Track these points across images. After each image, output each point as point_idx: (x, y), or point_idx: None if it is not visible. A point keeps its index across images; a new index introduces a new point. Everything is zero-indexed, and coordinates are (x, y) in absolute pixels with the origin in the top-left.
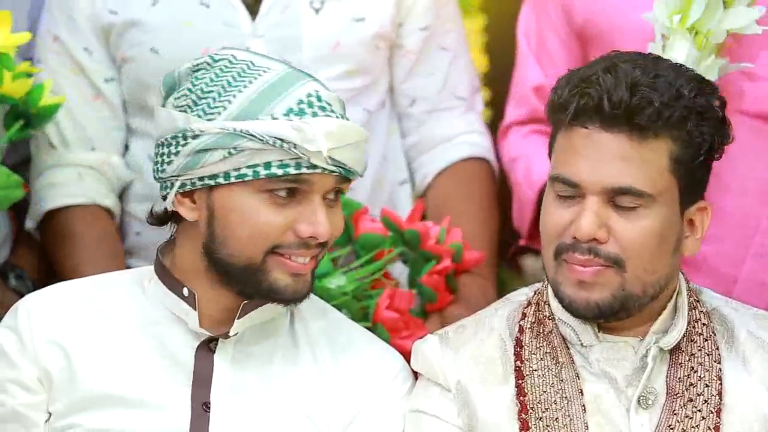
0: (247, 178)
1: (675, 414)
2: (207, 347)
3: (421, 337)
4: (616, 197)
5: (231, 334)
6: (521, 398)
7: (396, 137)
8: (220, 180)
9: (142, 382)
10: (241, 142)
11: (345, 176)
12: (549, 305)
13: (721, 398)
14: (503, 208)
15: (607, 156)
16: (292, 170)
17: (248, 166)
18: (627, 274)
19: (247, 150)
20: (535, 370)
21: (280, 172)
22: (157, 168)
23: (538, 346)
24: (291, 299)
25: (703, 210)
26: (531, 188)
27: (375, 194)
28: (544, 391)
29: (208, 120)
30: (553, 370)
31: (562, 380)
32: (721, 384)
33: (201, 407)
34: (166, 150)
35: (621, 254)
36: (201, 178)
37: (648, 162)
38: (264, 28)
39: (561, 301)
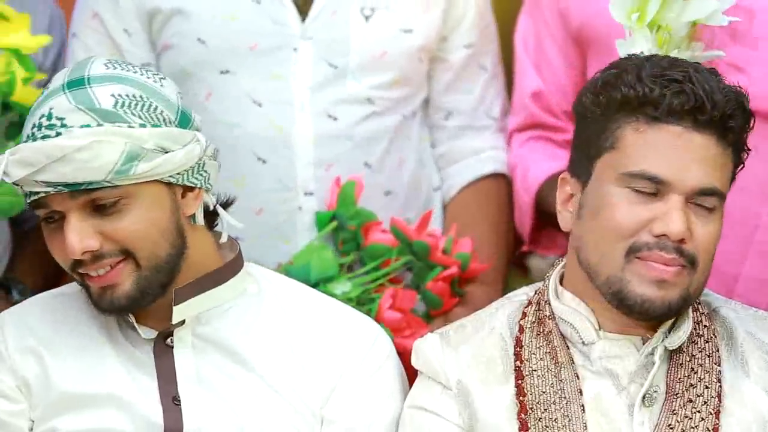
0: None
1: (675, 414)
2: (163, 343)
3: (422, 336)
4: (699, 198)
5: (174, 322)
6: (520, 398)
7: (427, 144)
8: None
9: (112, 381)
10: None
11: (89, 188)
12: (549, 304)
13: (720, 400)
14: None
15: (697, 156)
16: (28, 199)
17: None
18: (695, 276)
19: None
20: (535, 371)
21: (28, 200)
22: None
23: (537, 345)
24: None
25: None
26: (528, 193)
27: (412, 198)
28: (544, 392)
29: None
30: (553, 370)
31: (561, 380)
32: (720, 386)
33: (171, 402)
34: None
35: (698, 255)
36: None
37: (726, 167)
38: (314, 30)
39: (625, 300)
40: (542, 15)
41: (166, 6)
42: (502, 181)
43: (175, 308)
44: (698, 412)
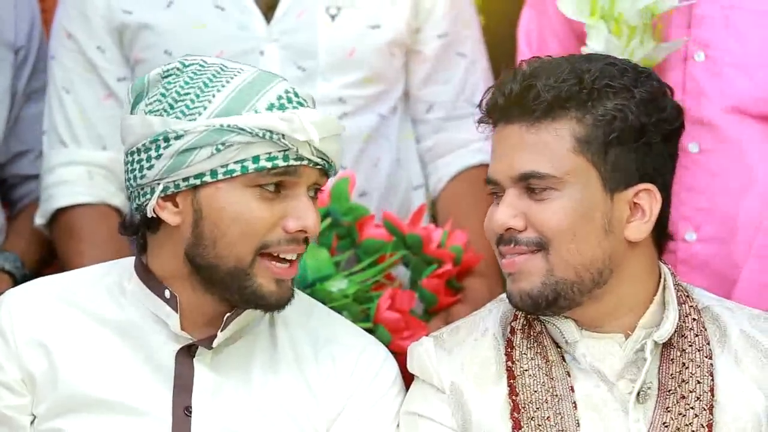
0: (235, 174)
1: (669, 411)
2: (187, 351)
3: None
4: (525, 183)
5: (214, 345)
6: (513, 397)
7: (410, 142)
8: (207, 178)
9: (123, 386)
10: (229, 137)
11: (326, 170)
12: None
13: (713, 395)
14: None
15: (509, 147)
16: (280, 162)
17: (236, 162)
18: (552, 257)
19: (235, 144)
20: (526, 370)
21: (268, 164)
22: (134, 176)
23: (528, 346)
24: (275, 305)
25: (648, 192)
26: None
27: (388, 198)
28: (535, 391)
29: (190, 120)
30: (544, 369)
31: (552, 378)
32: (713, 380)
33: (182, 412)
34: (144, 156)
35: (540, 237)
36: (186, 179)
37: (548, 145)
38: (278, 32)
39: (509, 299)
40: (545, 11)
41: (133, 21)
42: None
43: (220, 333)
44: (692, 408)
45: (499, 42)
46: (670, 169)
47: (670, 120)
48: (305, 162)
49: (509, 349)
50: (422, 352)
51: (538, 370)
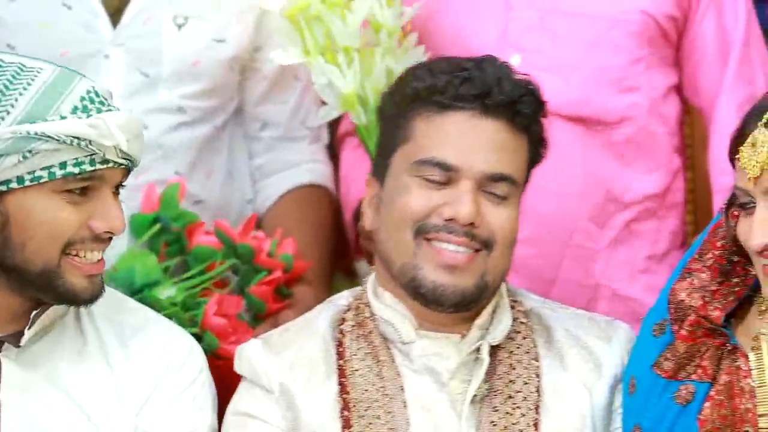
0: (42, 180)
1: (496, 411)
2: None
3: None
4: (490, 185)
5: (22, 344)
6: (343, 396)
7: (242, 156)
8: (14, 185)
9: None
10: (37, 145)
11: (129, 169)
12: (369, 306)
13: (539, 395)
14: None
15: (485, 141)
16: (87, 167)
17: (43, 168)
18: (490, 261)
19: (41, 152)
20: (357, 370)
21: (76, 170)
22: None
23: (359, 347)
24: (89, 300)
25: None
26: (348, 211)
27: (223, 209)
28: (366, 389)
29: None
30: (375, 369)
31: (383, 378)
32: (539, 381)
33: None
34: None
35: (492, 239)
36: None
37: (518, 153)
38: (124, 37)
39: (419, 287)
40: None
41: None
42: (322, 191)
43: (27, 331)
44: (518, 408)
45: None
46: None
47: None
48: (111, 164)
49: (340, 349)
50: (250, 353)
51: (369, 370)
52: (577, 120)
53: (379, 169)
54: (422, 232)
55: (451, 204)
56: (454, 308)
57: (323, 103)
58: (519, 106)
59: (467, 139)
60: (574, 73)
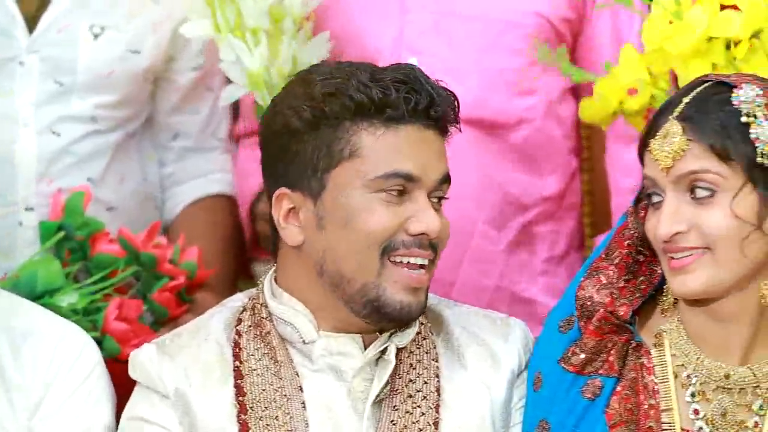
0: None
1: (396, 410)
2: None
3: None
4: (438, 190)
5: None
6: (240, 399)
7: (153, 163)
8: None
9: None
10: None
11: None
12: (266, 307)
13: (439, 395)
14: None
15: (434, 151)
16: None
17: None
18: (432, 271)
19: None
20: (254, 370)
21: None
22: None
23: (256, 347)
24: None
25: None
26: (244, 208)
27: (137, 213)
28: (264, 390)
29: None
30: (272, 369)
31: (281, 378)
32: (438, 381)
33: None
34: None
35: (441, 244)
36: None
37: (446, 157)
38: (40, 44)
39: (384, 307)
40: None
41: None
42: (229, 200)
43: None
44: (418, 407)
45: None
46: None
47: None
48: None
49: (237, 350)
50: (144, 358)
51: (266, 370)
52: (474, 123)
53: (303, 183)
54: (389, 250)
55: (417, 218)
56: (407, 323)
57: (228, 82)
58: (449, 117)
59: (420, 149)
60: (471, 77)
